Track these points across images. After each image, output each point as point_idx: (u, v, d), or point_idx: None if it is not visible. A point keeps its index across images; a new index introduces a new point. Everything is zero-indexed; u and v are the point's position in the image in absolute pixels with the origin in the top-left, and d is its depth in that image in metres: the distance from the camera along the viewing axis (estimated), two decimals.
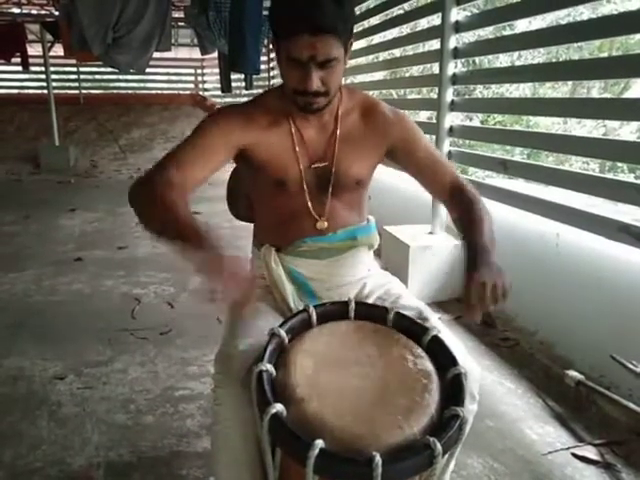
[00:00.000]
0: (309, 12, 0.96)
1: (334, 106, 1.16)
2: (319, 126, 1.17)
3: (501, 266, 0.97)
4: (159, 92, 10.39)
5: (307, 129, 1.16)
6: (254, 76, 5.29)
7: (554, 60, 5.93)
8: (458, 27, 2.68)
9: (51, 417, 1.72)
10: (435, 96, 2.84)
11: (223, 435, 1.02)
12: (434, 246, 2.67)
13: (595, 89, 7.52)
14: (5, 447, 1.57)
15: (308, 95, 1.04)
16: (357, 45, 4.17)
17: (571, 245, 2.08)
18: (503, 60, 6.85)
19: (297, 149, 1.15)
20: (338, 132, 1.16)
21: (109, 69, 6.79)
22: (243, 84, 5.63)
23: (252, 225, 1.35)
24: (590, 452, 1.55)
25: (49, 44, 6.84)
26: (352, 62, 4.31)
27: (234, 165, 1.32)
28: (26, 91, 9.84)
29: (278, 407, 0.78)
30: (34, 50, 7.55)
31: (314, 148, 1.17)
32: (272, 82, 6.70)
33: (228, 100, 8.49)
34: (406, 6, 3.53)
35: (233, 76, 6.02)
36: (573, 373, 1.82)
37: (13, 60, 7.19)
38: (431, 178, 1.23)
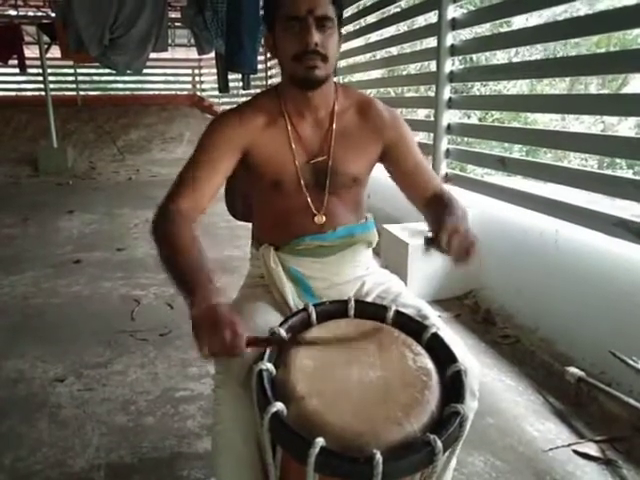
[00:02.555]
0: None
1: (330, 101, 1.17)
2: (315, 122, 1.17)
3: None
4: (157, 93, 10.40)
5: (303, 125, 1.16)
6: (251, 76, 5.28)
7: (551, 56, 5.93)
8: (455, 24, 2.68)
9: (51, 419, 1.72)
10: (432, 94, 2.84)
11: (224, 435, 1.02)
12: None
13: (593, 85, 7.52)
14: (5, 450, 1.57)
15: (308, 56, 1.04)
16: (354, 43, 4.17)
17: (570, 241, 2.08)
18: (500, 57, 6.84)
19: (293, 146, 1.15)
20: (334, 127, 1.16)
21: (106, 70, 6.80)
22: (241, 84, 5.62)
23: (250, 224, 1.35)
24: (591, 448, 1.55)
25: (46, 46, 6.82)
26: (350, 60, 4.31)
27: None
28: (23, 93, 9.84)
29: (278, 406, 0.78)
30: (31, 52, 7.53)
31: (310, 144, 1.17)
32: (270, 82, 6.69)
33: (226, 100, 8.49)
34: (403, 4, 3.52)
35: (231, 76, 6.01)
36: (574, 370, 1.82)
37: (10, 62, 7.18)
38: (416, 184, 1.24)
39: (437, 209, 1.13)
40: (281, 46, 1.08)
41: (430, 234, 1.01)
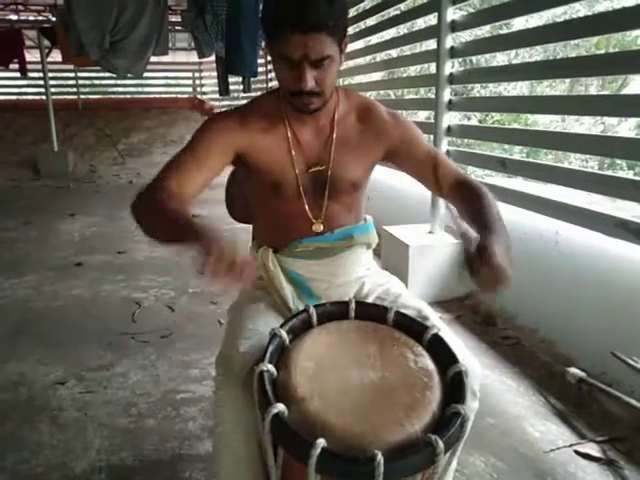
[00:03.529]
0: (299, 10, 0.95)
1: (330, 109, 1.16)
2: (315, 129, 1.16)
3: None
4: (157, 96, 10.42)
5: (303, 132, 1.16)
6: (252, 78, 5.30)
7: (551, 58, 5.94)
8: (454, 26, 2.68)
9: (52, 422, 1.72)
10: (432, 96, 2.84)
11: (225, 436, 1.02)
12: (434, 245, 2.67)
13: (593, 86, 7.53)
14: (7, 452, 1.57)
15: (303, 96, 1.03)
16: (354, 46, 4.18)
17: (571, 242, 2.08)
18: (500, 59, 6.85)
19: (293, 153, 1.14)
20: (334, 135, 1.16)
21: (107, 74, 6.82)
22: (241, 87, 5.64)
23: (251, 227, 1.36)
24: (592, 449, 1.55)
25: (47, 50, 6.85)
26: (350, 63, 4.32)
27: (232, 168, 1.32)
28: (24, 97, 9.86)
29: (280, 407, 0.78)
30: (32, 56, 7.56)
31: (310, 152, 1.16)
32: (270, 84, 6.71)
33: (226, 103, 8.50)
34: (402, 6, 3.53)
35: (231, 79, 6.02)
36: (574, 370, 1.82)
37: (11, 66, 7.21)
38: (434, 176, 1.20)
39: (474, 212, 1.05)
40: (277, 75, 1.07)
41: (473, 255, 0.88)
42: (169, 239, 0.95)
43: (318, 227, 1.18)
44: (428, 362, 0.90)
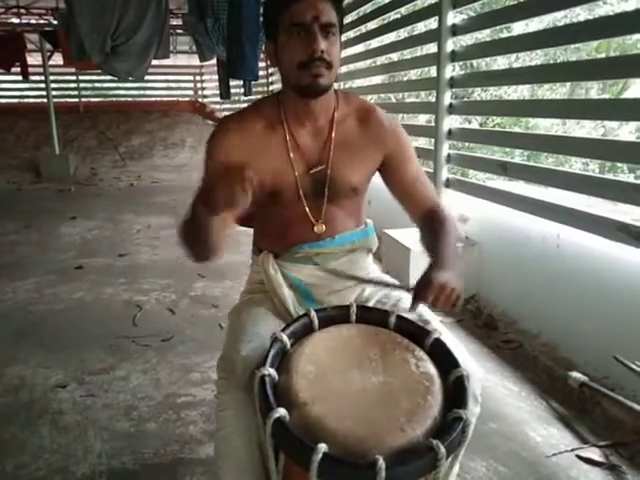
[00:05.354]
0: None
1: (329, 109, 1.16)
2: (314, 131, 1.16)
3: (460, 279, 1.02)
4: (158, 99, 10.45)
5: (302, 134, 1.16)
6: (253, 82, 5.31)
7: (552, 62, 5.94)
8: (455, 30, 2.69)
9: (53, 425, 1.71)
10: (433, 99, 2.84)
11: (227, 441, 1.02)
12: None
13: (593, 90, 7.54)
14: (7, 456, 1.57)
15: (314, 63, 1.03)
16: (355, 50, 4.19)
17: (572, 246, 2.08)
18: (501, 62, 6.85)
19: (292, 155, 1.14)
20: (333, 137, 1.16)
21: (108, 77, 6.85)
22: (242, 90, 5.65)
23: (252, 230, 1.35)
24: (595, 454, 1.54)
25: (48, 53, 6.88)
26: (351, 66, 4.33)
27: None
28: (26, 100, 9.89)
29: (281, 412, 0.77)
30: (34, 59, 7.60)
31: (309, 154, 1.16)
32: (271, 88, 6.72)
33: (227, 106, 8.52)
34: (403, 10, 3.54)
35: (232, 82, 6.04)
36: (577, 374, 1.81)
37: (13, 70, 7.23)
38: (414, 196, 1.24)
39: (431, 240, 1.14)
40: (285, 54, 1.06)
41: (415, 286, 1.01)
42: (202, 236, 1.03)
43: (320, 228, 1.18)
44: (429, 366, 0.89)
